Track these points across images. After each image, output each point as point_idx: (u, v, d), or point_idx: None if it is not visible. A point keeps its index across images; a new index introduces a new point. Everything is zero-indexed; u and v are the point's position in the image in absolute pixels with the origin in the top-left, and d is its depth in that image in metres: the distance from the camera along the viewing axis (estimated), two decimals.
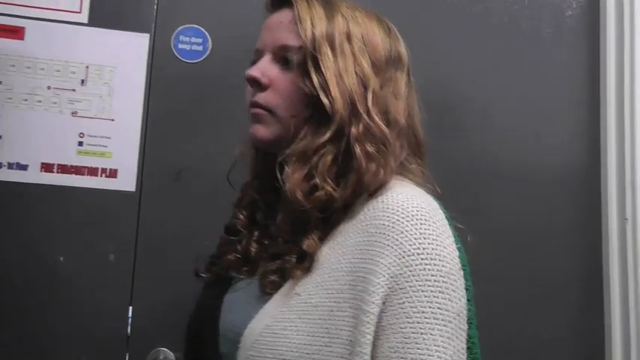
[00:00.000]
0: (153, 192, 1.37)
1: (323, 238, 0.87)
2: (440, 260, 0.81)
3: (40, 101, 1.36)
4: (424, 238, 0.81)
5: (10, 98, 1.34)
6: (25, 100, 1.35)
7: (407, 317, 0.78)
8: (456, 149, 1.51)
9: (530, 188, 1.54)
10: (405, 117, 0.94)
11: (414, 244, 0.80)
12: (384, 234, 0.82)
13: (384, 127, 0.89)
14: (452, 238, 0.84)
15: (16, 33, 1.36)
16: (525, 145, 1.56)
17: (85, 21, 1.38)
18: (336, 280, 0.83)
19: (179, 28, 1.42)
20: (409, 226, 0.81)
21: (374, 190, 0.87)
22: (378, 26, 0.95)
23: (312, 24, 0.90)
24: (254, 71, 0.92)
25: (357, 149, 0.86)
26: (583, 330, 1.54)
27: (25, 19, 1.36)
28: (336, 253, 0.85)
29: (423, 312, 0.78)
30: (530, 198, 1.54)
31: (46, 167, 1.34)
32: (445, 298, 0.79)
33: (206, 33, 1.42)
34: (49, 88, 1.36)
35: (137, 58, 1.40)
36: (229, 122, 1.32)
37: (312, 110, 0.89)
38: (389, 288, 0.78)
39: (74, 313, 1.31)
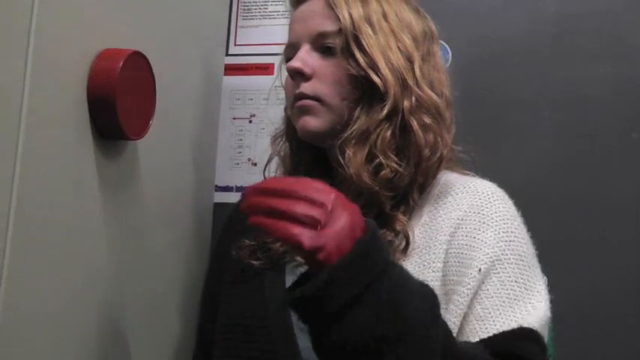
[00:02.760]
0: None
1: (408, 218, 0.89)
2: (527, 240, 0.88)
3: None
4: (514, 219, 0.88)
5: (263, 129, 1.42)
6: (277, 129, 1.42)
7: (501, 284, 0.82)
8: None
9: None
10: (448, 89, 0.95)
11: (507, 222, 0.86)
12: (479, 213, 0.87)
13: (435, 97, 0.90)
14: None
15: (267, 69, 1.45)
16: None
17: None
18: (438, 258, 0.85)
19: None
20: (501, 207, 0.88)
21: (437, 166, 0.90)
22: (407, 5, 0.95)
23: (348, 6, 0.89)
24: (296, 62, 0.90)
25: (414, 122, 0.87)
26: None
27: (273, 56, 1.44)
28: (429, 232, 0.87)
29: (516, 281, 0.83)
30: None
31: None
32: (532, 274, 0.85)
33: (446, 46, 1.39)
34: None
35: None
36: (473, 131, 1.25)
37: (362, 91, 0.88)
38: (489, 260, 0.83)
39: None
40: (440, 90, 0.93)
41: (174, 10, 1.06)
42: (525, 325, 0.80)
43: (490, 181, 0.93)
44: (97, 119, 0.80)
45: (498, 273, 0.83)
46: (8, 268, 0.63)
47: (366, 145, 0.87)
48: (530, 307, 0.82)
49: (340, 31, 0.89)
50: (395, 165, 0.86)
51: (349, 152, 0.87)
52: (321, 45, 0.92)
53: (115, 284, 0.87)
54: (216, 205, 1.35)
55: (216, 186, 1.38)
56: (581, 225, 1.34)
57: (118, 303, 0.88)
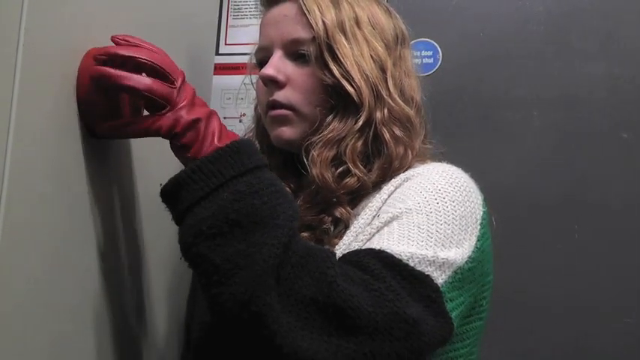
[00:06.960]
0: None
1: (352, 209, 0.88)
2: (461, 204, 0.80)
3: None
4: (449, 186, 0.82)
5: None
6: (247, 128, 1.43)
7: (399, 226, 0.77)
8: None
9: None
10: (418, 93, 0.95)
11: (436, 185, 0.81)
12: (413, 180, 0.84)
13: (407, 108, 0.90)
14: (480, 199, 0.85)
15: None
16: None
17: None
18: (366, 223, 0.83)
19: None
20: (436, 176, 0.83)
21: (401, 173, 0.88)
22: (378, 7, 0.93)
23: (321, 13, 0.88)
24: (269, 70, 0.89)
25: (386, 133, 0.88)
26: None
27: None
28: (363, 214, 0.85)
29: (419, 227, 0.76)
30: None
31: None
32: (450, 231, 0.77)
33: (436, 45, 1.40)
34: None
35: None
36: (462, 130, 1.26)
37: (336, 100, 0.88)
38: (399, 211, 0.79)
39: None
40: (410, 96, 0.93)
41: (164, 9, 1.06)
42: (387, 249, 0.73)
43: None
44: (87, 118, 0.80)
45: (402, 219, 0.78)
46: None
47: (334, 149, 0.88)
48: (419, 247, 0.74)
49: (314, 39, 0.88)
50: (361, 174, 0.87)
51: (314, 153, 0.87)
52: (295, 51, 0.91)
53: (104, 282, 0.87)
54: None
55: None
56: (570, 223, 1.35)
57: (106, 301, 0.88)
